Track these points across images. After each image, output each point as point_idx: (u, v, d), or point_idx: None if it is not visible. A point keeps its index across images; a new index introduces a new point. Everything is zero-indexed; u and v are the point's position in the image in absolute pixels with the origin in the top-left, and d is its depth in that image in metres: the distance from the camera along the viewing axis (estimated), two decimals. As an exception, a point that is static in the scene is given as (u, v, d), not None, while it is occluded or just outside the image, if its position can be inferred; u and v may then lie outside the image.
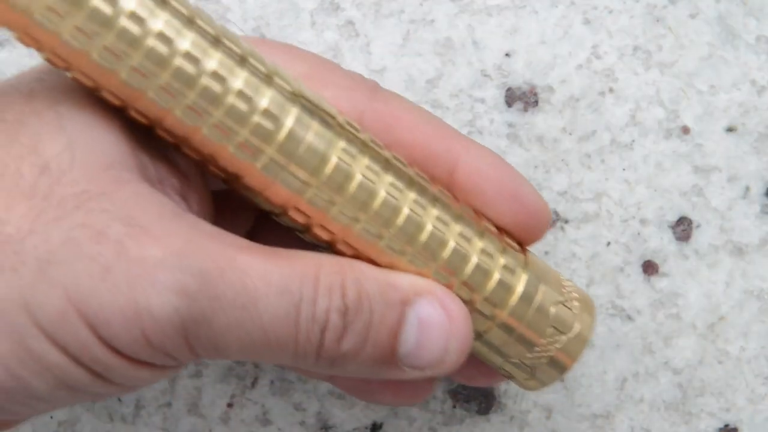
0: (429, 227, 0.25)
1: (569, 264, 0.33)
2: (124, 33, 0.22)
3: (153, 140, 0.24)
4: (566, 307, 0.27)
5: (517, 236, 0.27)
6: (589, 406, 0.34)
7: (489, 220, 0.27)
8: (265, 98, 0.23)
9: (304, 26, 0.33)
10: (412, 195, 0.25)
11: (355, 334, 0.24)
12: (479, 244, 0.26)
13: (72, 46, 0.22)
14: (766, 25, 0.34)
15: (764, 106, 0.34)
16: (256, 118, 0.23)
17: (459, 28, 0.33)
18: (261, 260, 0.23)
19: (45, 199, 0.22)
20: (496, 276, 0.26)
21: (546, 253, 0.33)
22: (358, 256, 0.25)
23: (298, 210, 0.25)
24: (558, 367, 0.28)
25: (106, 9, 0.22)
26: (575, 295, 0.28)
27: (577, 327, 0.27)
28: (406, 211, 0.25)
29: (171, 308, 0.22)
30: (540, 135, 0.33)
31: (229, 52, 0.23)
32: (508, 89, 0.34)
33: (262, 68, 0.24)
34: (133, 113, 0.23)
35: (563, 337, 0.27)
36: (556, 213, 0.33)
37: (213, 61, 0.23)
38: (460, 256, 0.26)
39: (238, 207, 0.28)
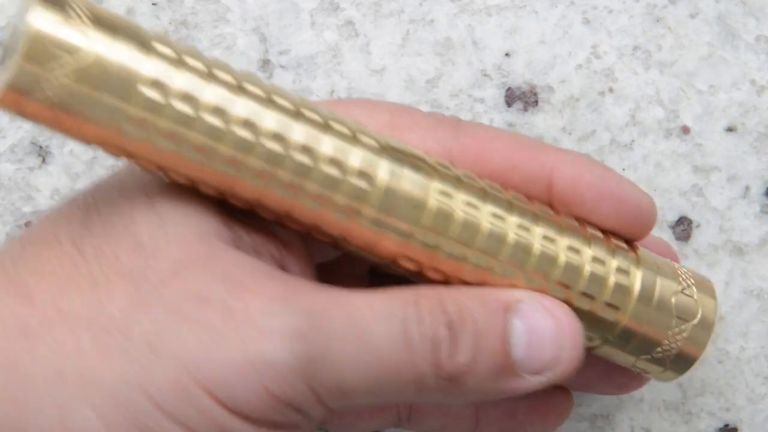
0: (537, 246, 0.26)
1: (569, 264, 0.33)
2: (211, 128, 0.23)
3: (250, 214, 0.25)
4: (686, 295, 0.28)
5: (625, 235, 0.27)
6: (589, 406, 0.34)
7: (594, 225, 0.27)
8: (356, 158, 0.24)
9: (304, 26, 0.33)
10: (514, 219, 0.25)
11: (466, 345, 0.24)
12: (589, 252, 0.26)
13: (162, 149, 0.22)
14: (766, 25, 0.34)
15: (764, 106, 0.34)
16: (351, 180, 0.24)
17: (459, 28, 0.33)
18: (362, 294, 0.24)
19: (143, 276, 0.22)
20: (612, 280, 0.26)
21: (546, 253, 0.33)
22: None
23: (408, 258, 0.25)
24: (690, 354, 0.28)
25: (188, 110, 0.22)
26: (692, 281, 0.28)
27: (700, 312, 0.28)
28: (512, 236, 0.25)
29: (286, 352, 0.22)
30: (540, 135, 0.33)
31: (311, 122, 0.24)
32: (508, 89, 0.34)
33: (345, 130, 0.24)
34: (232, 200, 0.24)
35: (688, 325, 0.27)
36: (556, 213, 0.33)
37: (299, 133, 0.23)
38: (573, 269, 0.26)
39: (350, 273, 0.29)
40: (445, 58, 0.33)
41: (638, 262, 0.27)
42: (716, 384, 0.34)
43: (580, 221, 0.27)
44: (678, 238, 0.34)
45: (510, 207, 0.26)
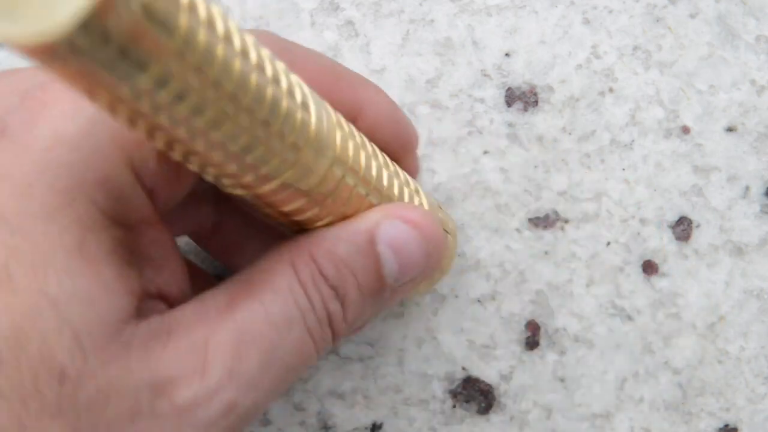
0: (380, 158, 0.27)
1: (569, 264, 0.33)
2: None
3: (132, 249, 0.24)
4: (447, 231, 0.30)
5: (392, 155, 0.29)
6: (589, 406, 0.34)
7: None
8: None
9: (304, 26, 0.33)
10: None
11: (353, 306, 0.25)
12: (391, 165, 0.27)
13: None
14: (766, 25, 0.34)
15: (764, 106, 0.34)
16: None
17: (459, 28, 0.33)
18: (248, 306, 0.23)
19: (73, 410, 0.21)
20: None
21: (546, 253, 0.33)
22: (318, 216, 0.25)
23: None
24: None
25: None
26: (450, 225, 0.31)
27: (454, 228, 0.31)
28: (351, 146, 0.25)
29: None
30: (540, 135, 0.33)
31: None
32: (508, 89, 0.34)
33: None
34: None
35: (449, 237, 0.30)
36: (556, 213, 0.33)
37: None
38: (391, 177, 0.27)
39: (197, 205, 0.29)
40: (445, 58, 0.33)
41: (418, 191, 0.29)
42: (716, 384, 0.34)
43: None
44: (678, 238, 0.34)
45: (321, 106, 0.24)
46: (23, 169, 0.21)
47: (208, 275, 0.32)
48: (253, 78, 0.20)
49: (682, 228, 0.34)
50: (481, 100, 0.33)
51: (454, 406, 0.34)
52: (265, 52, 0.21)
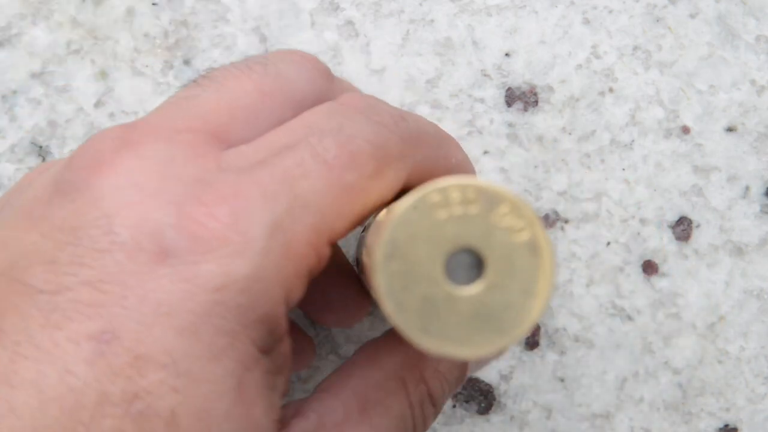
0: None
1: (569, 264, 0.33)
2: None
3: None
4: None
5: None
6: (589, 406, 0.34)
7: None
8: None
9: (304, 26, 0.33)
10: None
11: (442, 402, 0.27)
12: None
13: None
14: (766, 25, 0.34)
15: (764, 106, 0.34)
16: None
17: (459, 28, 0.33)
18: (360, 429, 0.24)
19: None
20: None
21: (546, 252, 0.33)
22: None
23: None
24: None
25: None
26: None
27: None
28: None
29: None
30: (540, 135, 0.33)
31: None
32: (508, 89, 0.34)
33: None
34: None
35: None
36: (556, 213, 0.33)
37: None
38: None
39: None
40: (445, 58, 0.33)
41: None
42: (716, 384, 0.34)
43: None
44: (678, 238, 0.34)
45: None
46: (189, 306, 0.21)
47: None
48: None
49: (682, 228, 0.34)
50: (481, 100, 0.33)
51: (454, 406, 0.34)
52: None
